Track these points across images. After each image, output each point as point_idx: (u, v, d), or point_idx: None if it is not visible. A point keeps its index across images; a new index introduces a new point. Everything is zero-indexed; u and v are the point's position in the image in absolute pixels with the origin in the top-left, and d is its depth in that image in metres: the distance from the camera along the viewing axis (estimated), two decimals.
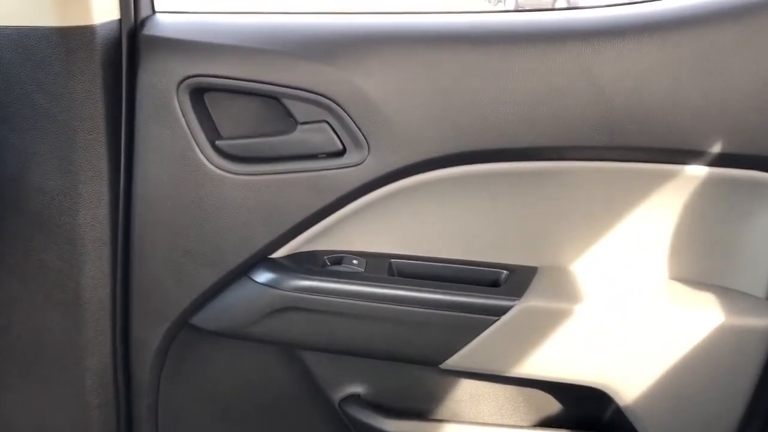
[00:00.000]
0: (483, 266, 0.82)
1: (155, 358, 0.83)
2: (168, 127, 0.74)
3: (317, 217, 0.78)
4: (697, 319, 0.76)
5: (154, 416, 0.86)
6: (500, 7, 5.53)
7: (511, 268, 0.82)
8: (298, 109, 0.74)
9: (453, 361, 0.78)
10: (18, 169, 0.74)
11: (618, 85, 0.71)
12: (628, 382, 0.78)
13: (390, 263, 0.82)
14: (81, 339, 0.81)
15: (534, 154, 0.75)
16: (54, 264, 0.77)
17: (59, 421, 0.84)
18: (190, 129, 0.74)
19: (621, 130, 0.72)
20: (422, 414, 0.87)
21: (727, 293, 0.78)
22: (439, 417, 0.87)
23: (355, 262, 0.81)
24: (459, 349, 0.78)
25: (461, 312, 0.77)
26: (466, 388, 0.86)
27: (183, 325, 0.81)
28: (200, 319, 0.81)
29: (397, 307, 0.77)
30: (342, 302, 0.78)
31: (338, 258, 0.82)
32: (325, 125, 0.74)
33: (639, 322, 0.76)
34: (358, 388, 0.87)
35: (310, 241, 0.80)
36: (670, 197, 0.78)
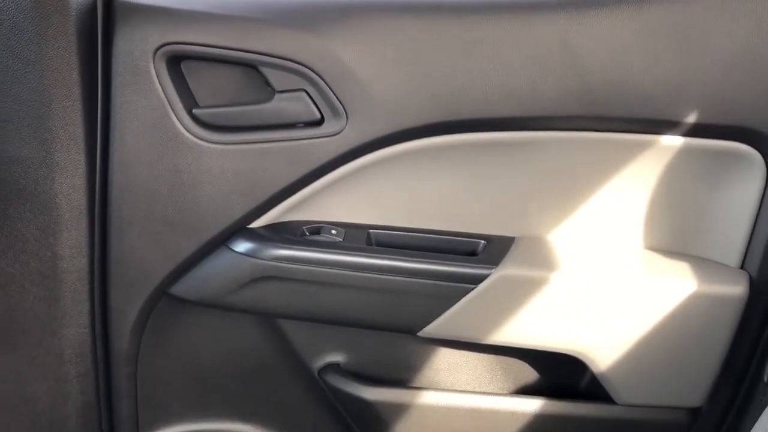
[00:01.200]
0: (461, 236, 0.83)
1: (134, 327, 0.83)
2: (144, 95, 0.74)
3: (295, 187, 0.78)
4: (671, 287, 0.77)
5: (133, 385, 0.86)
6: None
7: (489, 238, 0.82)
8: (275, 78, 0.74)
9: (431, 329, 0.79)
10: None
11: (595, 55, 0.71)
12: (602, 350, 0.79)
13: (368, 233, 0.82)
14: (59, 309, 0.80)
15: (511, 124, 0.75)
16: (31, 233, 0.77)
17: (38, 391, 0.84)
18: (166, 97, 0.74)
19: (597, 100, 0.72)
20: (401, 382, 0.88)
21: (700, 262, 0.80)
22: (417, 385, 0.88)
23: (333, 232, 0.82)
24: (436, 317, 0.79)
25: (439, 280, 0.78)
26: (444, 356, 0.87)
27: (162, 294, 0.81)
28: (179, 289, 0.81)
29: (376, 275, 0.78)
30: (321, 271, 0.78)
31: (317, 228, 0.82)
32: (303, 94, 0.74)
33: (614, 291, 0.77)
34: (337, 357, 0.88)
35: (288, 211, 0.80)
36: (646, 167, 0.78)
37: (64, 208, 0.76)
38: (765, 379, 0.78)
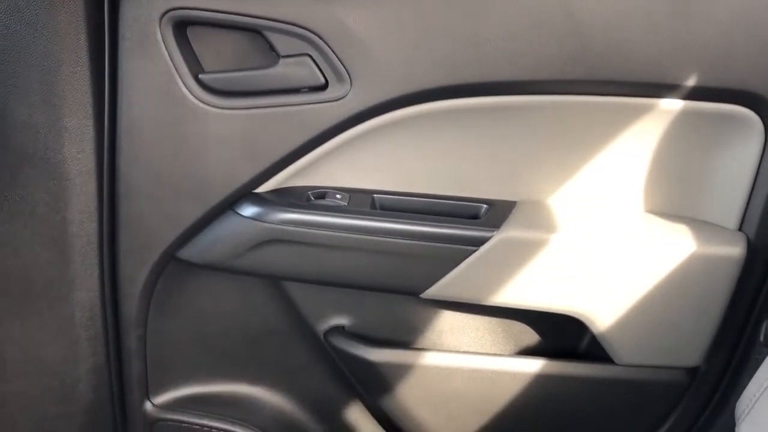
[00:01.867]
0: (463, 201, 0.84)
1: (143, 291, 0.84)
2: (151, 61, 0.75)
3: (300, 152, 0.79)
4: (670, 249, 0.78)
5: (143, 348, 0.88)
6: None
7: (491, 203, 0.84)
8: (280, 43, 0.75)
9: (433, 291, 0.81)
10: (1, 102, 0.74)
11: (595, 19, 0.72)
12: (602, 311, 0.81)
13: (372, 198, 0.84)
14: (69, 273, 0.82)
15: (514, 88, 0.76)
16: (40, 198, 0.78)
17: (50, 354, 0.86)
18: (173, 62, 0.75)
19: (598, 63, 0.73)
20: (404, 344, 0.90)
21: (699, 224, 0.81)
22: (420, 347, 0.90)
23: (338, 196, 0.83)
24: (439, 279, 0.80)
25: (441, 243, 0.79)
26: (446, 319, 0.89)
27: (170, 258, 0.83)
28: (187, 253, 0.82)
29: (379, 238, 0.79)
30: (326, 234, 0.80)
31: (321, 193, 0.83)
32: (308, 59, 0.75)
33: (613, 253, 0.79)
34: (341, 320, 0.90)
35: (293, 176, 0.81)
36: (646, 131, 0.79)
37: (74, 174, 0.77)
38: (761, 339, 0.79)
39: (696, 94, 0.75)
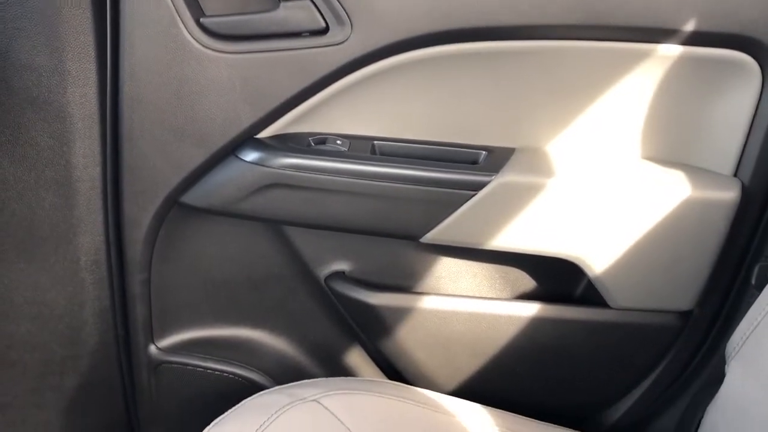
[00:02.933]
0: (463, 148, 0.85)
1: (147, 235, 0.86)
2: (153, 4, 0.75)
3: (301, 97, 0.80)
4: (665, 194, 0.79)
5: (147, 292, 0.90)
6: None
7: (490, 149, 0.85)
8: None
9: (432, 235, 0.82)
10: (4, 45, 0.74)
11: None
12: (598, 255, 0.82)
13: (373, 144, 0.85)
14: (73, 217, 0.83)
15: (514, 32, 0.76)
16: (45, 142, 0.79)
17: (56, 297, 0.88)
18: (174, 6, 0.75)
19: (597, 8, 0.74)
20: (403, 289, 0.91)
21: (694, 170, 0.82)
22: (419, 292, 0.91)
23: (338, 142, 0.84)
24: (438, 224, 0.82)
25: (440, 187, 0.80)
26: (444, 264, 0.91)
27: (173, 203, 0.84)
28: (190, 198, 0.83)
29: (380, 183, 0.80)
30: (326, 179, 0.81)
31: (322, 139, 0.84)
32: (308, 2, 0.75)
33: (610, 197, 0.80)
34: (342, 266, 0.91)
35: (294, 122, 0.82)
36: (644, 77, 0.80)
37: (77, 117, 0.78)
38: (753, 282, 0.81)
39: (695, 39, 0.75)
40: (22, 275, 0.86)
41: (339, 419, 0.72)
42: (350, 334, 0.95)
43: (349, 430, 0.71)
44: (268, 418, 0.69)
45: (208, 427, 0.70)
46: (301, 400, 0.73)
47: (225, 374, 0.96)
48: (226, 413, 0.73)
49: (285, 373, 0.96)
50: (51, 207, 0.82)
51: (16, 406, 0.93)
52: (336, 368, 0.97)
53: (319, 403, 0.74)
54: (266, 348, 0.96)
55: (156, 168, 0.82)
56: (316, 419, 0.71)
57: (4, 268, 0.86)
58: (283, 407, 0.72)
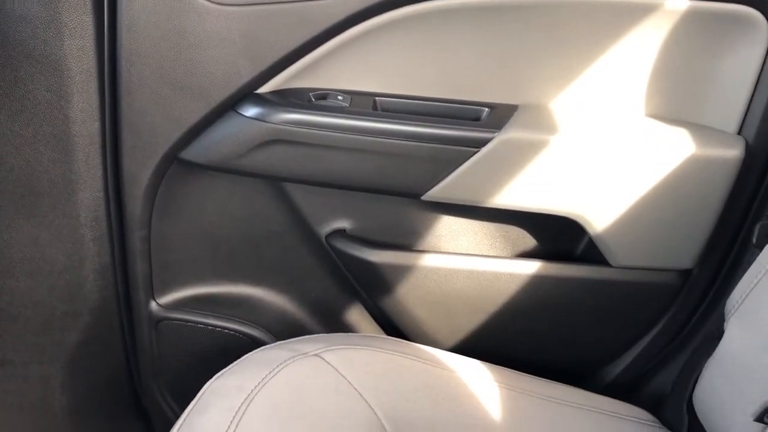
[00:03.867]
0: (465, 104, 0.84)
1: (146, 192, 0.85)
2: None
3: (301, 52, 0.78)
4: (668, 152, 0.79)
5: (147, 249, 0.90)
6: None
7: (493, 106, 0.84)
8: None
9: (434, 193, 0.82)
10: None
11: None
12: (600, 213, 0.82)
13: (374, 100, 0.84)
14: (72, 173, 0.83)
15: None
16: (42, 96, 0.78)
17: (56, 254, 0.87)
18: None
19: None
20: (404, 247, 0.91)
21: (698, 128, 0.82)
22: (420, 250, 0.92)
23: (340, 98, 0.83)
24: (440, 181, 0.81)
25: (443, 144, 0.79)
26: (445, 223, 0.90)
27: (173, 159, 0.83)
28: (190, 154, 0.83)
29: (381, 139, 0.80)
30: (328, 135, 0.80)
31: (323, 94, 0.83)
32: None
33: (613, 155, 0.79)
34: (343, 224, 0.91)
35: (294, 77, 0.81)
36: (649, 33, 0.79)
37: (75, 71, 0.77)
38: (754, 241, 0.81)
39: None
40: (21, 231, 0.86)
41: (341, 373, 0.72)
42: (350, 291, 0.95)
43: (350, 384, 0.71)
44: (270, 372, 0.70)
45: (210, 381, 0.71)
46: (302, 354, 0.73)
47: (225, 330, 0.96)
48: (227, 367, 0.73)
49: (285, 330, 0.97)
50: (49, 162, 0.82)
51: (18, 361, 0.94)
52: (336, 325, 0.98)
53: (320, 357, 0.74)
54: (267, 305, 0.96)
55: (155, 123, 0.81)
56: (317, 373, 0.72)
57: (2, 224, 0.86)
58: (285, 361, 0.72)
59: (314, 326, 0.97)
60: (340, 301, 0.96)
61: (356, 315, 0.97)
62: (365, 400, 0.70)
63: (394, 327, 0.95)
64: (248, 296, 0.96)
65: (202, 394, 0.68)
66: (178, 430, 0.64)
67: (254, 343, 0.97)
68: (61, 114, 0.79)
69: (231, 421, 0.63)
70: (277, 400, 0.67)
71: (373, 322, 0.98)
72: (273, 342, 0.93)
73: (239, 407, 0.65)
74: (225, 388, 0.68)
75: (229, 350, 0.94)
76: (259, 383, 0.68)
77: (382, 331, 0.98)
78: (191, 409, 0.66)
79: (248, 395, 0.67)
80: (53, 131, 0.80)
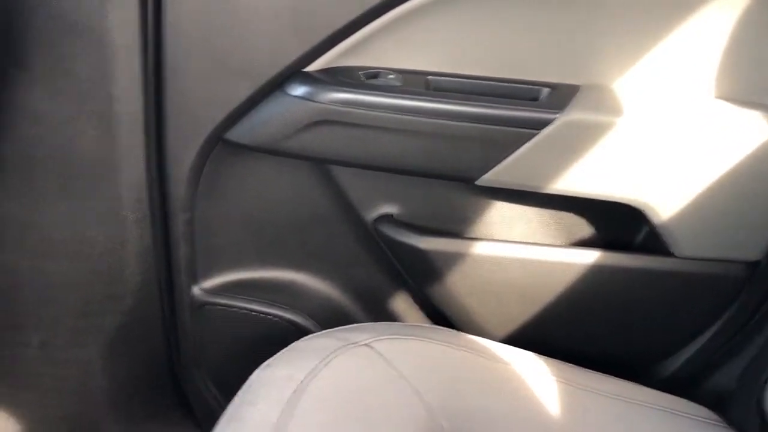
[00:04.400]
0: (523, 84, 0.80)
1: (190, 173, 0.82)
2: None
3: (351, 28, 0.75)
4: (739, 138, 0.74)
5: (190, 232, 0.87)
6: None
7: (553, 86, 0.80)
8: None
9: (490, 177, 0.78)
10: None
11: None
12: (665, 201, 0.78)
13: (426, 80, 0.80)
14: (115, 152, 0.80)
15: None
16: (84, 73, 0.75)
17: (97, 235, 0.85)
18: None
19: None
20: (454, 234, 0.88)
21: None
22: (470, 237, 0.88)
23: (391, 77, 0.79)
24: (496, 165, 0.77)
25: (500, 125, 0.76)
26: (498, 210, 0.87)
27: (218, 140, 0.81)
28: (235, 134, 0.80)
29: (435, 120, 0.76)
30: (378, 115, 0.76)
31: (374, 73, 0.80)
32: None
33: (680, 140, 0.75)
34: (391, 209, 0.88)
35: (343, 55, 0.78)
36: (722, 9, 0.74)
37: (118, 45, 0.74)
38: None
39: None
40: (62, 211, 0.84)
41: (393, 365, 0.69)
42: (397, 279, 0.92)
43: (403, 375, 0.68)
44: (321, 361, 0.67)
45: (257, 369, 0.68)
46: (353, 344, 0.70)
47: (269, 317, 0.94)
48: (275, 356, 0.70)
49: (330, 317, 0.94)
50: (92, 141, 0.79)
51: (58, 344, 0.92)
52: (381, 314, 0.95)
53: (371, 347, 0.71)
54: (310, 291, 0.94)
55: (200, 102, 0.78)
56: (369, 364, 0.69)
57: (43, 205, 0.84)
58: (335, 351, 0.69)
59: (358, 314, 0.95)
60: (386, 289, 0.93)
61: (403, 303, 0.94)
62: (419, 392, 0.67)
63: (442, 316, 0.91)
64: (292, 282, 0.93)
65: (251, 383, 0.66)
66: (227, 420, 0.62)
67: (297, 330, 0.95)
68: (103, 92, 0.76)
69: (282, 413, 0.61)
70: (328, 392, 0.64)
71: (420, 311, 0.95)
72: (316, 329, 0.91)
73: (289, 398, 0.62)
74: (274, 378, 0.66)
75: (272, 336, 0.92)
76: (308, 373, 0.65)
77: (429, 321, 0.95)
78: (241, 400, 0.64)
79: (298, 386, 0.64)
80: (95, 110, 0.77)
